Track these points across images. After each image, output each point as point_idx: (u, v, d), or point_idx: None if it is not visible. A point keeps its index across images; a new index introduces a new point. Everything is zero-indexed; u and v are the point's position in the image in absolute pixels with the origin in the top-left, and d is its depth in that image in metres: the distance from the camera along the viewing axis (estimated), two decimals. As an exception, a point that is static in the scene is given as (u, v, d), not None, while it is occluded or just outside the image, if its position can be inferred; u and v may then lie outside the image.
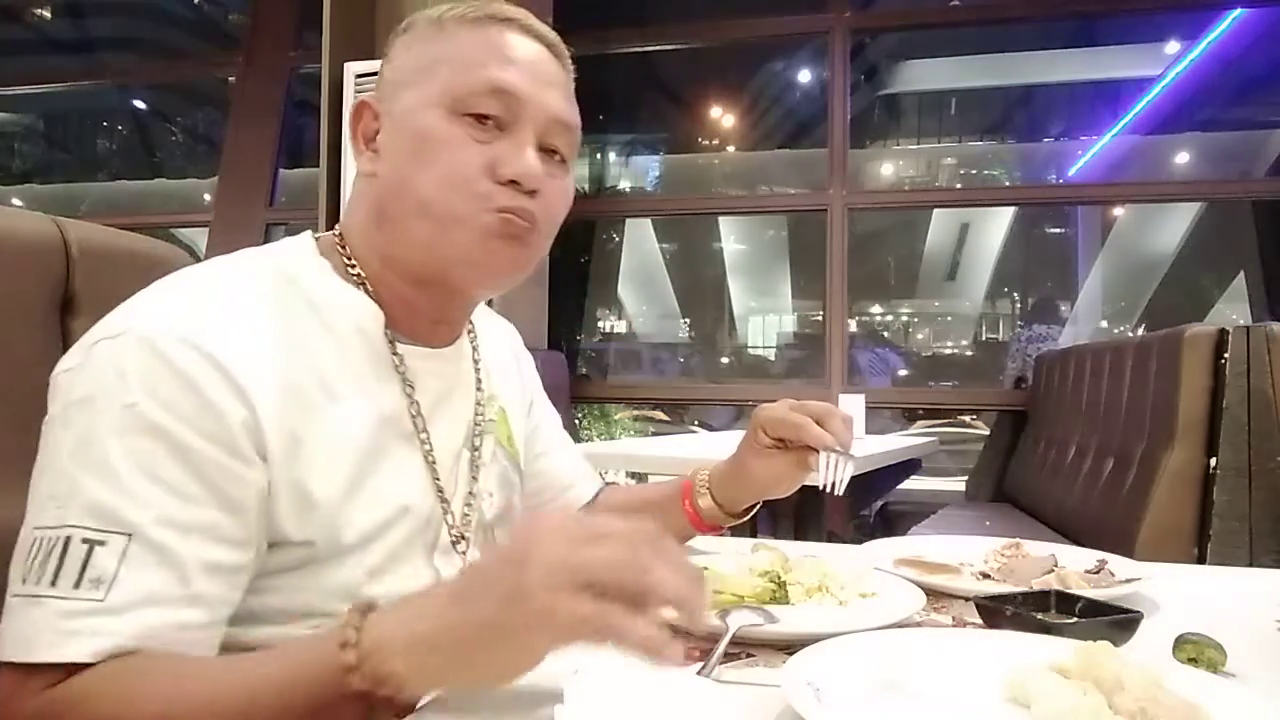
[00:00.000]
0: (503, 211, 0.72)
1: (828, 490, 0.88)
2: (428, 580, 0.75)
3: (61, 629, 0.56)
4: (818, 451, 0.89)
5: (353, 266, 0.76)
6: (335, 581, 0.68)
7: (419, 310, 0.78)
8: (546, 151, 0.76)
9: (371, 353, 0.74)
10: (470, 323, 0.87)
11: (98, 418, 0.60)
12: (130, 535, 0.58)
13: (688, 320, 10.29)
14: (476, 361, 0.87)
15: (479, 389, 0.85)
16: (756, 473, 0.94)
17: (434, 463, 0.77)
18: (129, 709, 0.55)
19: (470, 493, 0.81)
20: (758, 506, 0.99)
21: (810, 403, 0.92)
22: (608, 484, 1.10)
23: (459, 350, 0.83)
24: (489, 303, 0.96)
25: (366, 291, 0.76)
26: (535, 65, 0.76)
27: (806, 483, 0.95)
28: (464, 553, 0.78)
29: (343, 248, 0.77)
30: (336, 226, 0.80)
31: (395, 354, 0.76)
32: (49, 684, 0.56)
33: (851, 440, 0.89)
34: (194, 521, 0.60)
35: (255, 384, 0.64)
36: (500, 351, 0.94)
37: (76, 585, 0.56)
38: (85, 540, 0.57)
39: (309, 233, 0.79)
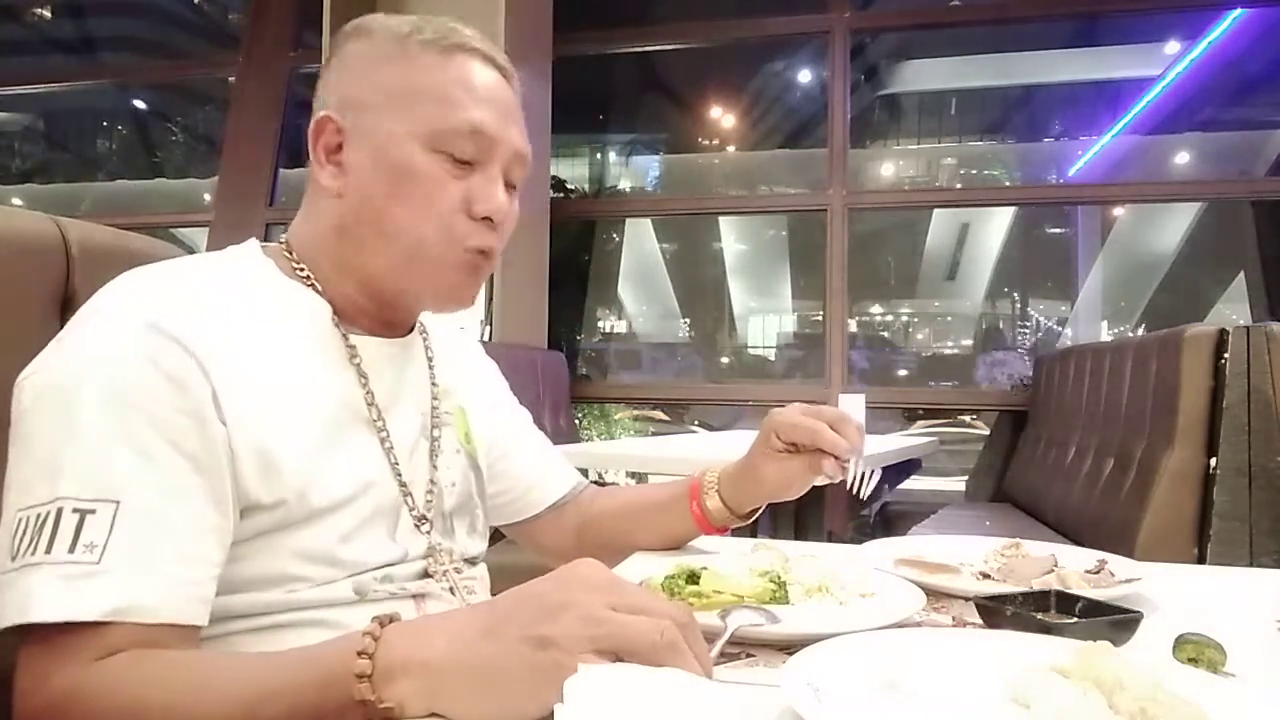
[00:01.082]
0: (472, 251, 0.78)
1: (854, 493, 0.95)
2: (392, 555, 0.77)
3: (59, 590, 0.57)
4: (829, 456, 0.91)
5: (301, 269, 0.80)
6: (308, 545, 0.71)
7: (367, 311, 0.82)
8: (506, 183, 0.81)
9: (323, 342, 0.78)
10: (420, 321, 0.90)
11: (75, 400, 0.62)
12: (118, 502, 0.60)
13: (688, 320, 10.29)
14: (430, 357, 0.90)
15: (433, 383, 0.88)
16: (768, 475, 0.96)
17: (391, 449, 0.79)
18: (140, 701, 0.56)
19: (431, 480, 0.83)
20: (763, 508, 1.00)
21: (824, 408, 0.94)
22: (596, 483, 1.10)
23: (410, 342, 0.86)
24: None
25: (315, 290, 0.79)
26: (502, 102, 0.80)
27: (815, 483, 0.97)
28: (428, 533, 0.81)
29: (289, 253, 0.81)
30: (282, 237, 0.83)
31: (349, 344, 0.79)
32: (69, 659, 0.57)
33: (863, 446, 0.93)
34: (176, 486, 0.64)
35: (212, 357, 0.67)
36: (456, 350, 0.97)
37: (71, 550, 0.59)
38: (76, 510, 0.60)
39: (254, 240, 0.83)
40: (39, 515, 0.60)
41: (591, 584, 0.52)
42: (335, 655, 0.54)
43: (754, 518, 1.02)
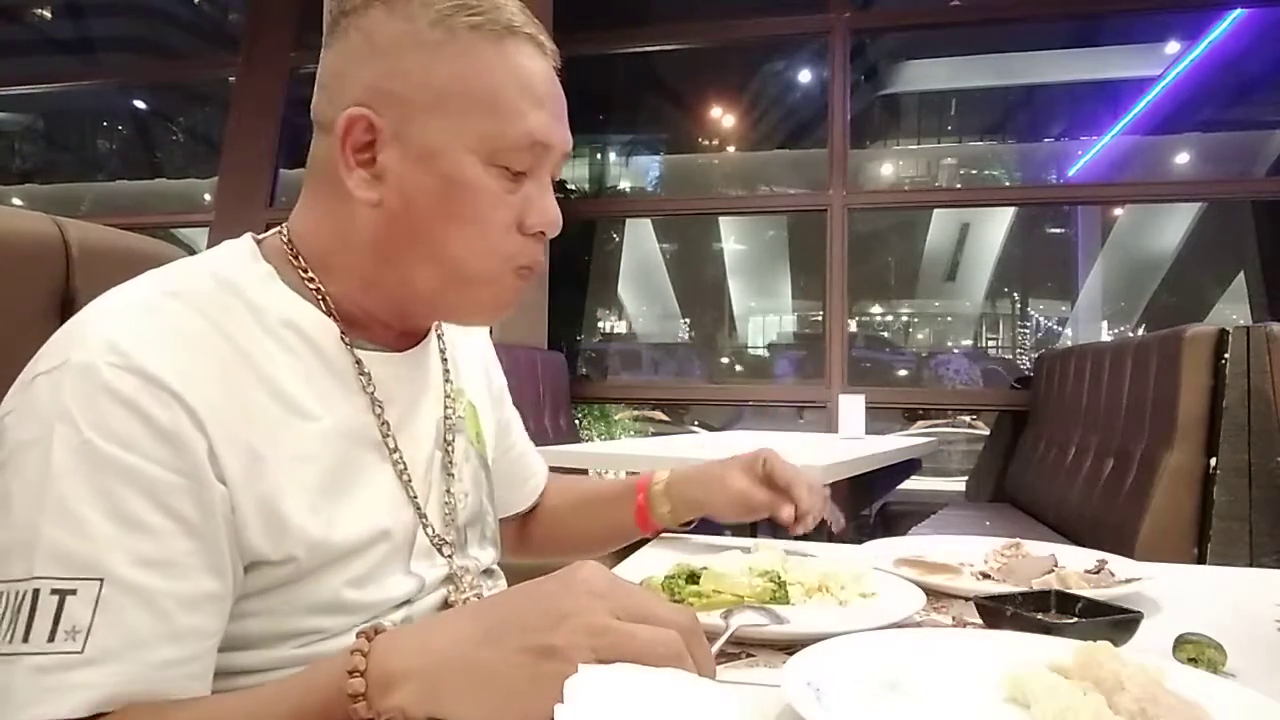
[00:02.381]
0: (524, 268, 0.72)
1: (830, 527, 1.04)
2: (409, 588, 0.72)
3: (40, 686, 0.52)
4: (788, 505, 0.97)
5: (307, 275, 0.71)
6: (318, 596, 0.65)
7: (386, 323, 0.75)
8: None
9: (328, 364, 0.70)
10: None
11: (50, 459, 0.55)
12: (102, 580, 0.54)
13: (688, 320, 10.31)
14: (444, 357, 0.84)
15: (447, 382, 0.83)
16: (734, 486, 0.99)
17: (405, 474, 0.73)
18: None
19: (447, 490, 0.78)
20: (696, 521, 1.03)
21: (813, 477, 1.00)
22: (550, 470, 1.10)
23: (425, 349, 0.80)
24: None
25: (321, 299, 0.71)
26: (555, 99, 0.73)
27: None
28: (449, 555, 0.77)
29: (294, 256, 0.72)
30: (282, 229, 0.74)
31: (359, 366, 0.71)
32: None
33: (821, 510, 0.99)
34: (166, 555, 0.57)
35: (205, 404, 0.59)
36: (467, 346, 0.91)
37: (51, 639, 0.53)
38: (55, 591, 0.53)
39: (249, 235, 0.73)
40: (18, 593, 0.54)
41: (595, 590, 0.51)
42: (329, 680, 0.53)
43: (689, 527, 1.03)
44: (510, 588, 0.56)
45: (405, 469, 0.73)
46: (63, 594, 0.53)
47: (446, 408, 0.81)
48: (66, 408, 0.56)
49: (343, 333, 0.71)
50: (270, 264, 0.70)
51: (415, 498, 0.74)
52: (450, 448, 0.80)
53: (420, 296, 0.72)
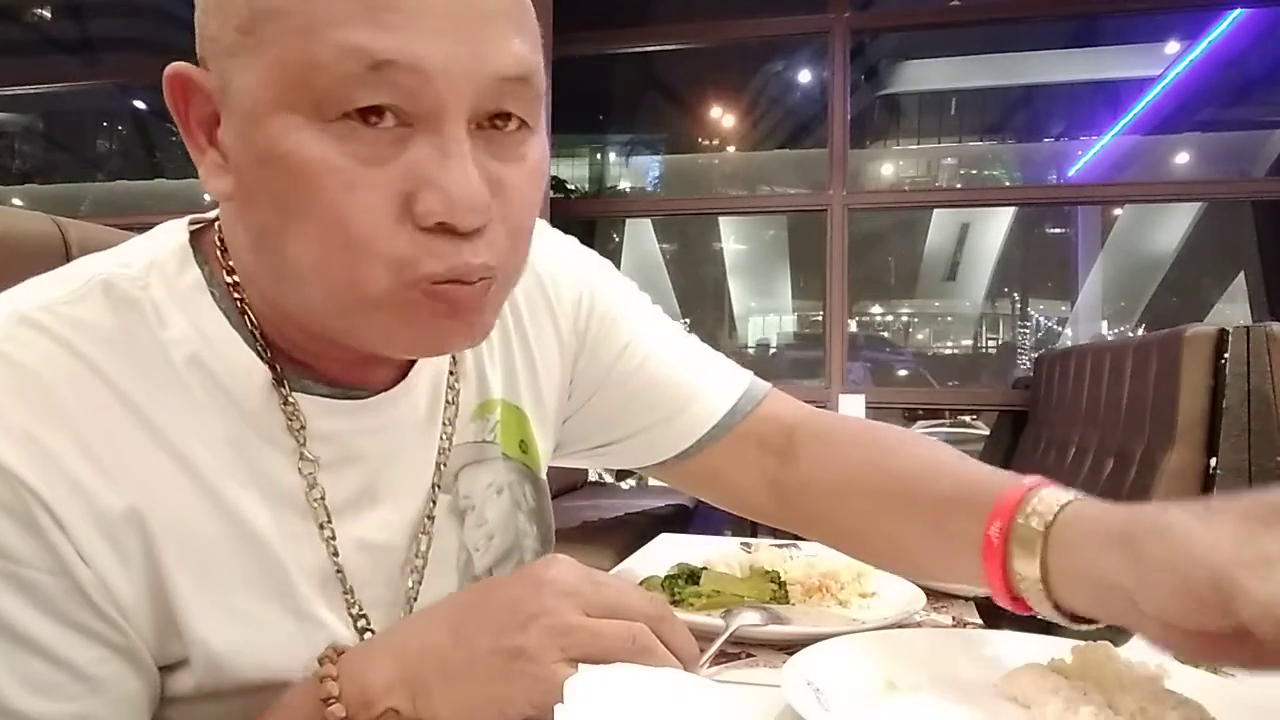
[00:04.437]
0: (435, 284, 0.47)
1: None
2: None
3: None
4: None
5: (231, 277, 0.53)
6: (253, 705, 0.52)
7: (315, 353, 0.54)
8: (491, 125, 0.48)
9: (249, 418, 0.52)
10: None
11: None
12: None
13: (688, 320, 10.30)
14: (453, 370, 0.64)
15: (450, 405, 0.62)
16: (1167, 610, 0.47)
17: (340, 573, 0.55)
18: None
19: (463, 546, 0.63)
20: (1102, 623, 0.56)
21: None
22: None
23: (413, 384, 0.59)
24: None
25: (250, 327, 0.53)
26: None
27: None
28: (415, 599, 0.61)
29: (222, 251, 0.54)
30: (217, 225, 0.55)
31: (286, 409, 0.53)
32: None
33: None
34: (62, 675, 0.46)
35: (83, 521, 0.46)
36: (539, 312, 0.70)
37: None
38: None
39: (187, 223, 0.55)
40: None
41: (564, 589, 0.49)
42: (305, 713, 0.49)
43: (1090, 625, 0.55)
44: (482, 582, 0.54)
45: (340, 569, 0.55)
46: None
47: (441, 445, 0.62)
48: None
49: (275, 368, 0.53)
50: (206, 265, 0.53)
51: (357, 612, 0.56)
52: (456, 495, 0.64)
53: (320, 321, 0.50)
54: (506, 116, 0.48)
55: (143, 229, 0.58)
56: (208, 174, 0.49)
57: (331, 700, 0.48)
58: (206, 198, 0.54)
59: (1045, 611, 0.54)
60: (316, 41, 0.43)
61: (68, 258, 0.85)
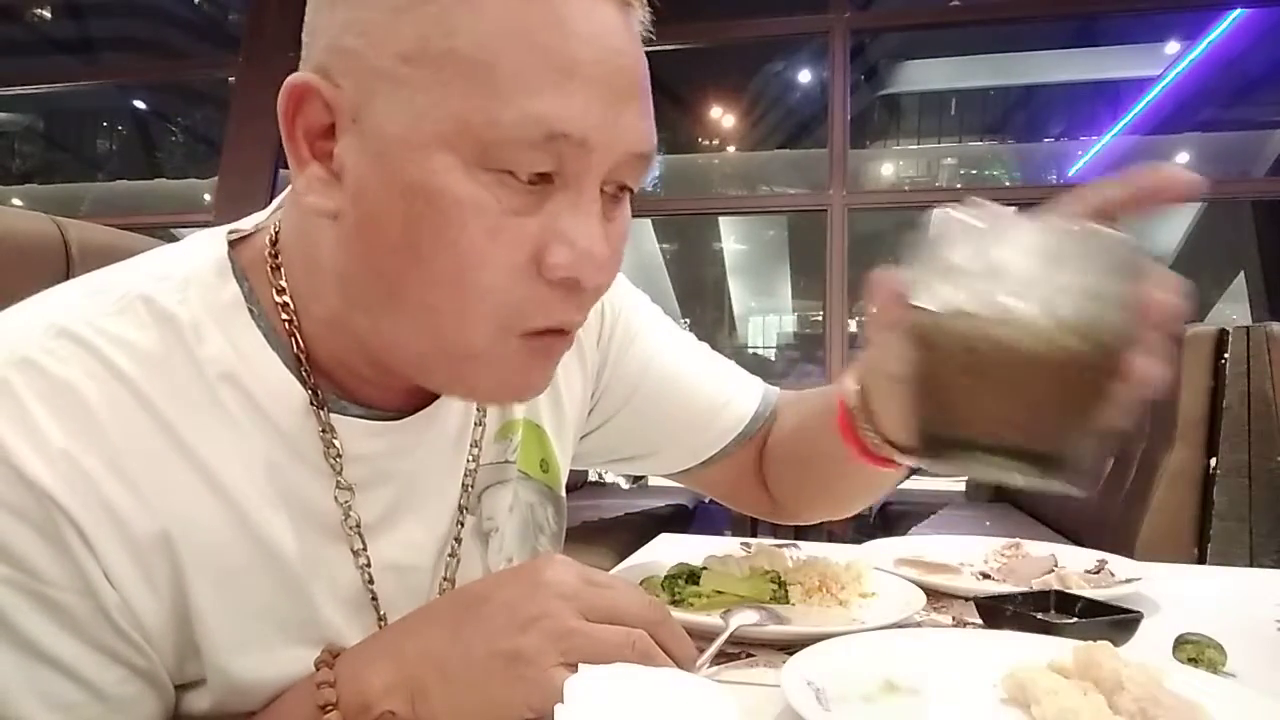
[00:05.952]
0: (540, 333, 0.49)
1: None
2: None
3: None
4: None
5: (282, 296, 0.53)
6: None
7: (363, 377, 0.55)
8: (607, 194, 0.49)
9: (285, 439, 0.52)
10: None
11: None
12: None
13: (688, 320, 10.30)
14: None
15: (478, 425, 0.63)
16: None
17: (371, 585, 0.56)
18: None
19: (488, 569, 0.64)
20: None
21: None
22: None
23: (442, 406, 0.60)
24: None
25: (293, 338, 0.52)
26: (610, 68, 0.46)
27: None
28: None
29: (275, 268, 0.53)
30: (274, 223, 0.55)
31: (325, 433, 0.53)
32: None
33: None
34: (90, 690, 0.46)
35: (113, 544, 0.46)
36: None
37: None
38: None
39: (225, 235, 0.54)
40: None
41: (562, 591, 0.49)
42: (301, 717, 0.49)
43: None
44: (479, 581, 0.54)
45: (375, 596, 0.56)
46: None
47: (468, 467, 0.62)
48: None
49: (316, 392, 0.53)
50: (245, 281, 0.52)
51: (383, 616, 0.57)
52: (478, 514, 0.64)
53: (402, 358, 0.51)
54: (620, 187, 0.50)
55: (143, 229, 0.59)
56: (308, 187, 0.48)
57: (329, 707, 0.48)
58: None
59: (876, 442, 0.64)
60: (499, 101, 0.44)
61: (68, 258, 0.85)
